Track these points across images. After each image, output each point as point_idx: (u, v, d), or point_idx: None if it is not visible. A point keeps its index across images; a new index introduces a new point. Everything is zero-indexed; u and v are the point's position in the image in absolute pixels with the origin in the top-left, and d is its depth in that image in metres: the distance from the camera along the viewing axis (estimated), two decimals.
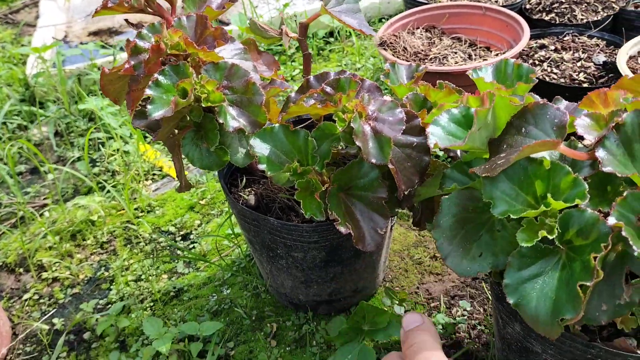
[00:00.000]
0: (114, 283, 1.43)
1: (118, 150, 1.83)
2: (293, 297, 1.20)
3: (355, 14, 1.17)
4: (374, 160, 0.87)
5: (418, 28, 1.73)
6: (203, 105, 0.92)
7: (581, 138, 0.74)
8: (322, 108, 0.92)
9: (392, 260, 1.35)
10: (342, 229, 0.89)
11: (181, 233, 1.55)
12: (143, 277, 1.42)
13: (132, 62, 0.96)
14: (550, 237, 0.68)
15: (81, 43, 2.62)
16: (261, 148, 0.95)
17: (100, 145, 1.92)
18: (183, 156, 1.03)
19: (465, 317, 1.18)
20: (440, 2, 1.85)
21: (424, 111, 0.95)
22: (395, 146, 0.93)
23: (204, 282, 1.37)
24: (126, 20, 1.13)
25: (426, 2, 1.86)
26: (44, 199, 1.80)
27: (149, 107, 0.90)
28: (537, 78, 1.47)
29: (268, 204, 1.11)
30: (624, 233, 0.62)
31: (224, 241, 1.45)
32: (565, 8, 1.73)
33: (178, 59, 1.00)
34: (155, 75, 0.92)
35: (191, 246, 1.49)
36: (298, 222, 1.05)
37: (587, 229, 0.68)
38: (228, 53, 1.03)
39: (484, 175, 0.73)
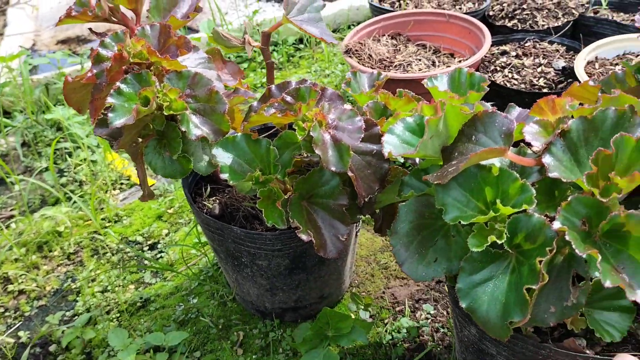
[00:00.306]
0: (80, 294, 1.41)
1: (85, 159, 1.82)
2: (259, 305, 1.20)
3: (317, 22, 1.19)
4: (333, 168, 0.88)
5: (384, 35, 1.75)
6: (165, 114, 0.93)
7: (530, 144, 0.76)
8: (282, 117, 0.93)
9: (358, 266, 1.37)
10: (304, 237, 0.90)
11: (149, 242, 1.54)
12: (110, 287, 1.41)
13: (95, 71, 0.96)
14: (500, 242, 0.70)
15: (50, 52, 2.59)
16: (223, 157, 0.95)
17: (67, 155, 1.90)
18: (146, 165, 1.03)
19: (429, 321, 1.20)
20: (405, 9, 1.88)
21: (383, 119, 0.97)
22: (356, 154, 0.94)
23: (171, 292, 1.36)
24: (90, 29, 1.13)
25: (392, 9, 1.88)
26: (11, 210, 1.77)
27: (110, 115, 0.90)
28: (498, 84, 1.51)
29: (232, 213, 1.11)
30: (567, 237, 0.64)
31: (192, 250, 1.45)
32: (527, 14, 1.77)
33: (141, 68, 1.00)
34: (118, 83, 0.92)
35: (159, 256, 1.49)
36: (262, 231, 1.05)
37: (534, 233, 0.70)
38: (192, 62, 1.04)
39: (435, 182, 0.75)
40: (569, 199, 0.67)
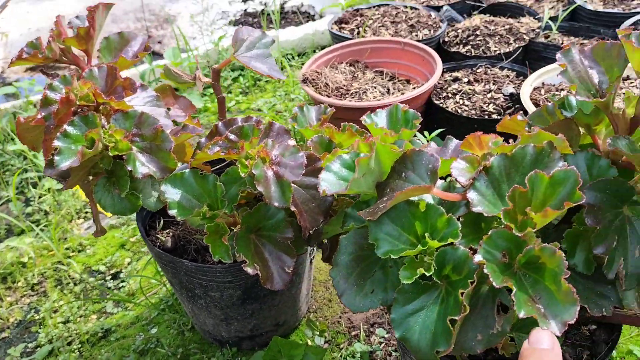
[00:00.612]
0: (43, 325, 1.42)
1: (50, 189, 1.83)
2: (216, 334, 1.23)
3: (266, 58, 1.22)
4: (276, 204, 0.92)
5: (342, 63, 1.80)
6: (111, 154, 0.95)
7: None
8: (225, 155, 0.96)
9: (317, 291, 1.39)
10: (250, 270, 0.93)
11: (111, 272, 1.56)
12: (72, 318, 1.42)
13: (43, 114, 0.99)
14: (428, 274, 0.74)
15: (19, 78, 2.60)
16: (172, 193, 0.98)
17: (32, 186, 1.91)
18: (95, 200, 1.06)
19: (382, 345, 1.23)
20: (364, 37, 1.93)
21: (326, 153, 1.01)
22: (300, 188, 0.98)
23: (131, 322, 1.38)
24: (41, 70, 1.15)
25: (351, 37, 1.93)
26: None
27: (56, 158, 0.93)
28: (449, 111, 1.55)
29: (185, 246, 1.14)
30: (485, 270, 0.68)
31: (152, 280, 1.47)
32: (480, 40, 1.82)
33: (89, 109, 1.03)
34: (64, 126, 0.95)
35: (121, 285, 1.51)
36: (213, 263, 1.08)
37: (460, 265, 0.74)
38: (140, 101, 1.07)
39: (367, 218, 0.79)
40: (489, 232, 0.71)
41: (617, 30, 0.79)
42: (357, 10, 2.13)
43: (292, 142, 1.02)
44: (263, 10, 2.85)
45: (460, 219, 0.78)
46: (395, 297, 0.78)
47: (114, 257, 1.59)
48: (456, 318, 0.70)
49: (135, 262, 1.57)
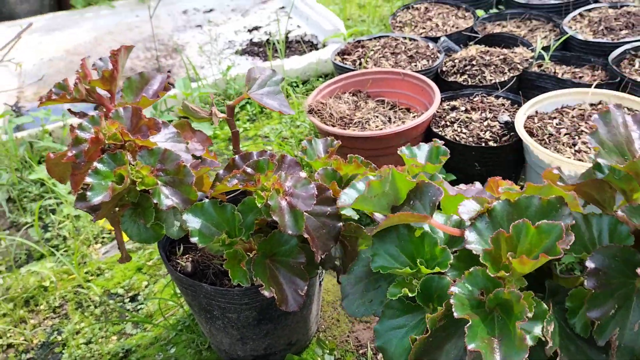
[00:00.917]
0: (66, 347, 1.50)
1: (68, 216, 1.92)
2: (232, 353, 1.30)
3: (276, 95, 1.31)
4: (290, 232, 1.00)
5: (345, 93, 1.90)
6: (138, 188, 1.04)
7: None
8: (243, 187, 1.05)
9: (325, 311, 1.47)
10: (266, 293, 1.02)
11: (129, 294, 1.64)
12: (93, 339, 1.50)
13: (74, 152, 1.08)
14: (411, 295, 0.81)
15: (33, 108, 2.71)
16: (193, 222, 1.07)
17: (51, 213, 2.00)
18: (122, 230, 1.14)
19: None
20: (365, 68, 2.03)
21: (334, 183, 1.10)
22: (312, 216, 1.06)
23: (151, 342, 1.46)
24: (69, 109, 1.25)
25: (353, 68, 2.04)
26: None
27: (88, 193, 1.02)
28: (448, 139, 1.65)
29: (203, 270, 1.22)
30: (451, 300, 0.73)
31: (169, 301, 1.55)
32: (476, 70, 1.92)
33: (116, 147, 1.12)
34: (95, 163, 1.04)
35: (139, 307, 1.59)
36: (230, 287, 1.16)
37: (443, 294, 0.80)
38: (162, 137, 1.16)
39: (370, 234, 0.86)
40: (471, 269, 0.76)
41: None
42: (359, 41, 2.24)
43: (303, 174, 1.11)
44: (268, 40, 2.96)
45: (457, 252, 0.85)
46: (383, 311, 0.84)
47: (132, 280, 1.68)
48: (417, 337, 0.75)
49: (152, 285, 1.65)
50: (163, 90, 1.24)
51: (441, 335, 0.76)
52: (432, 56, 2.06)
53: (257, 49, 2.88)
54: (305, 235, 1.03)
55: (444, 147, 1.08)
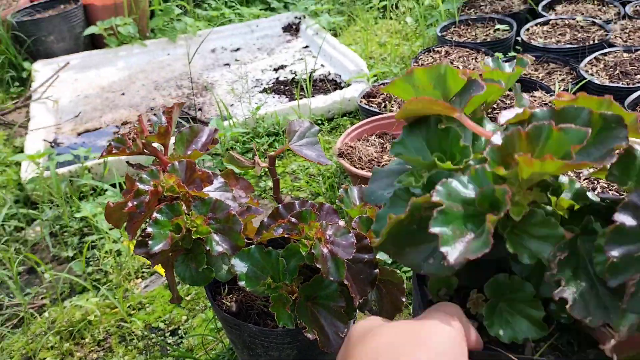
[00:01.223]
0: None
1: (110, 251, 2.03)
2: None
3: (314, 146, 1.42)
4: (332, 278, 1.10)
5: (372, 135, 2.00)
6: (194, 237, 1.15)
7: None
8: (288, 236, 1.15)
9: None
10: (310, 336, 1.11)
11: (170, 328, 1.73)
12: None
13: (135, 203, 1.19)
14: (415, 185, 0.74)
15: (71, 144, 2.85)
16: (240, 266, 1.17)
17: (91, 247, 2.11)
18: (175, 274, 1.25)
19: None
20: (391, 111, 2.14)
21: (370, 232, 1.19)
22: (351, 263, 1.16)
23: None
24: (127, 162, 1.36)
25: (378, 110, 2.14)
26: (42, 298, 1.97)
27: (150, 242, 1.12)
28: None
29: (247, 310, 1.32)
30: (438, 187, 0.65)
31: (209, 336, 1.64)
32: (497, 113, 2.02)
33: (172, 197, 1.23)
34: (155, 214, 1.15)
35: (179, 341, 1.68)
36: (273, 327, 1.26)
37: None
38: (212, 187, 1.27)
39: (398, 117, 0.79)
40: (477, 166, 0.67)
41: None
42: (383, 84, 2.35)
43: (341, 222, 1.21)
44: (294, 78, 3.09)
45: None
46: (390, 198, 0.74)
47: (172, 314, 1.77)
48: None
49: (191, 319, 1.74)
50: (211, 143, 1.35)
51: (416, 222, 0.68)
52: None
53: (283, 87, 3.01)
54: (346, 282, 1.12)
55: (527, 59, 0.90)
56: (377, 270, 1.17)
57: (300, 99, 2.73)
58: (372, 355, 0.58)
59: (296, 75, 3.12)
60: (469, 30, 2.90)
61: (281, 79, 3.13)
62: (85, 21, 3.70)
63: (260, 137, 2.61)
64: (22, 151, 2.79)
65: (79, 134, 2.95)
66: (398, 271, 1.25)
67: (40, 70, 3.41)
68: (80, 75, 3.45)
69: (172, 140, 1.37)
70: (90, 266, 2.04)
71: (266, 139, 2.64)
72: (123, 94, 3.22)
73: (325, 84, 2.95)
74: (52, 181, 2.35)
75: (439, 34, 2.83)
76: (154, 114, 1.39)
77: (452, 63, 2.55)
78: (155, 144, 1.36)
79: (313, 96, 2.81)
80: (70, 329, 1.77)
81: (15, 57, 3.53)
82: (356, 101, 2.27)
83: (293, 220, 1.18)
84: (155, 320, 1.77)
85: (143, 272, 2.00)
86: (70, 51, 3.59)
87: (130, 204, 1.21)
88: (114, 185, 2.37)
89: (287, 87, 3.00)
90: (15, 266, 1.97)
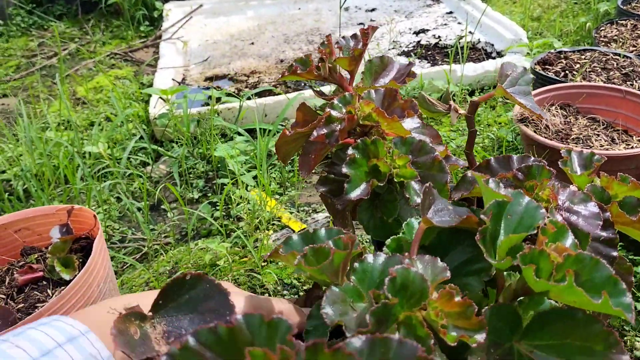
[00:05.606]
0: None
1: (242, 198, 1.89)
2: None
3: (526, 95, 1.18)
4: None
5: (553, 105, 1.72)
6: (396, 180, 0.94)
7: None
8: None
9: None
10: None
11: (304, 288, 1.56)
12: None
13: (325, 131, 1.00)
14: None
15: (199, 87, 2.74)
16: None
17: (219, 191, 1.98)
18: (355, 222, 1.06)
19: None
20: (574, 81, 1.85)
21: (614, 203, 0.94)
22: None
23: None
24: (315, 90, 1.18)
25: (557, 78, 1.86)
26: (165, 236, 1.86)
27: (346, 185, 0.92)
28: None
29: None
30: None
31: None
32: None
33: (362, 131, 1.04)
34: (351, 151, 0.95)
35: None
36: None
37: None
38: (407, 126, 1.06)
39: None
40: None
41: None
42: (560, 52, 2.05)
43: (575, 188, 0.97)
44: (437, 43, 2.83)
45: None
46: None
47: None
48: None
49: None
50: (408, 76, 1.14)
51: None
52: None
53: (424, 52, 2.76)
54: None
55: None
56: (615, 253, 0.92)
57: (443, 65, 2.47)
58: None
59: (440, 40, 2.86)
60: None
61: (423, 42, 2.88)
62: None
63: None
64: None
65: (207, 79, 2.84)
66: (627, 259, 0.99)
67: (172, 10, 3.34)
68: (210, 21, 3.35)
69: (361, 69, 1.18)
70: (217, 211, 1.91)
71: None
72: (252, 43, 3.09)
73: (474, 52, 2.68)
74: (183, 119, 2.24)
75: (621, 6, 2.48)
76: (343, 37, 1.20)
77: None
78: (341, 71, 1.17)
79: (458, 63, 2.54)
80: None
81: None
82: (530, 65, 1.99)
83: (519, 175, 0.95)
84: (288, 277, 1.60)
85: (274, 224, 1.84)
86: None
87: (316, 133, 1.03)
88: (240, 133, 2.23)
89: (430, 52, 2.75)
90: (145, 199, 1.87)
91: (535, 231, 0.79)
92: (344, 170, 0.93)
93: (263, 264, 1.66)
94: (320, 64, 1.12)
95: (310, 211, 1.93)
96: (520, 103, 1.12)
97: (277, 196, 1.99)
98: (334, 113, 1.01)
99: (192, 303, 0.69)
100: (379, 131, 1.03)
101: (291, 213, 1.90)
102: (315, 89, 1.17)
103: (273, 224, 1.85)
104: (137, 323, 0.65)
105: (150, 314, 0.67)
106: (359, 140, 0.97)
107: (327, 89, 2.29)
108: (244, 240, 1.71)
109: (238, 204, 1.87)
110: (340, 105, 1.03)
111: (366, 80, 1.17)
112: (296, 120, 1.12)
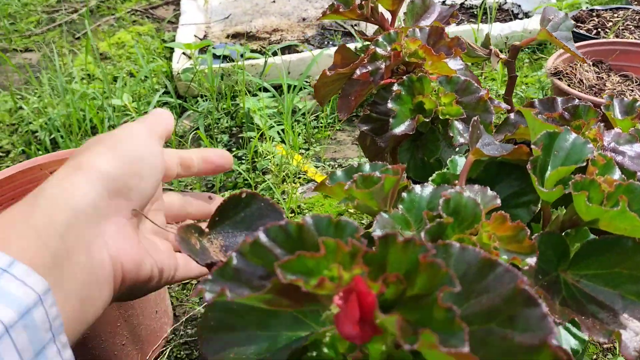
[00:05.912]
0: None
1: (269, 152, 1.89)
2: None
3: (567, 41, 1.17)
4: None
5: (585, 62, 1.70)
6: (441, 118, 0.94)
7: None
8: None
9: None
10: None
11: None
12: None
13: (370, 68, 0.99)
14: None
15: (221, 44, 2.73)
16: None
17: (244, 145, 1.99)
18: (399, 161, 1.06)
19: None
20: (607, 38, 1.82)
21: None
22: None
23: None
24: (358, 31, 1.17)
25: (589, 35, 1.83)
26: (191, 189, 1.87)
27: (391, 121, 0.92)
28: None
29: None
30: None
31: None
32: None
33: (405, 70, 1.03)
34: (397, 87, 0.94)
35: None
36: None
37: None
38: (452, 66, 1.05)
39: None
40: None
41: None
42: (592, 10, 2.02)
43: (619, 129, 0.96)
44: (462, 4, 2.79)
45: None
46: None
47: None
48: None
49: None
50: (452, 17, 1.13)
51: None
52: None
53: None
54: None
55: None
56: None
57: (470, 24, 2.44)
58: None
59: (466, 0, 2.82)
60: None
61: (447, 2, 2.84)
62: None
63: None
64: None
65: (228, 36, 2.82)
66: None
67: None
68: None
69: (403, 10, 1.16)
70: (243, 164, 1.92)
71: None
72: (274, 1, 3.05)
73: (501, 13, 2.64)
74: (207, 74, 2.23)
75: None
76: None
77: None
78: (383, 11, 1.16)
79: (486, 23, 2.51)
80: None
81: None
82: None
83: (566, 115, 0.95)
84: None
85: (299, 178, 1.85)
86: None
87: (359, 71, 1.02)
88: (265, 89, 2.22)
89: (465, 13, 2.71)
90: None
91: (584, 163, 0.79)
92: (389, 105, 0.93)
93: (290, 215, 1.68)
94: (363, 2, 1.11)
95: (336, 166, 1.93)
96: (565, 46, 1.10)
97: (303, 151, 1.99)
98: (379, 50, 1.00)
99: (248, 221, 0.70)
100: (423, 71, 1.03)
101: (317, 167, 1.91)
102: (358, 31, 1.16)
103: (299, 177, 1.85)
104: (195, 236, 0.66)
105: (207, 230, 0.68)
106: (404, 77, 0.97)
107: (353, 45, 2.27)
108: (271, 192, 1.72)
109: (265, 157, 1.88)
110: (384, 43, 1.02)
111: (408, 21, 1.15)
112: (334, 63, 1.11)
